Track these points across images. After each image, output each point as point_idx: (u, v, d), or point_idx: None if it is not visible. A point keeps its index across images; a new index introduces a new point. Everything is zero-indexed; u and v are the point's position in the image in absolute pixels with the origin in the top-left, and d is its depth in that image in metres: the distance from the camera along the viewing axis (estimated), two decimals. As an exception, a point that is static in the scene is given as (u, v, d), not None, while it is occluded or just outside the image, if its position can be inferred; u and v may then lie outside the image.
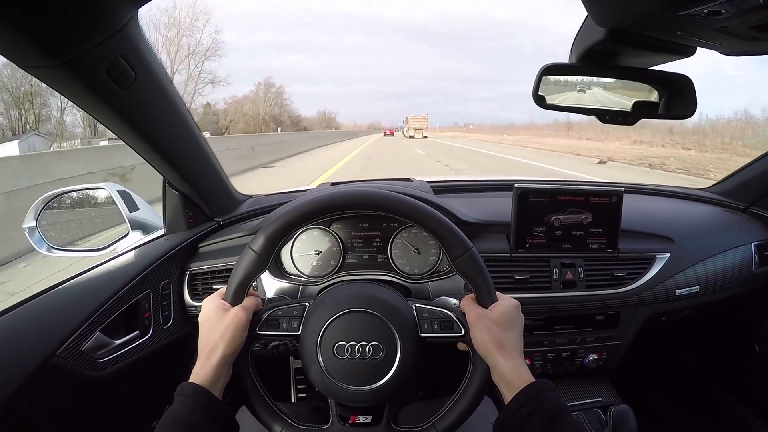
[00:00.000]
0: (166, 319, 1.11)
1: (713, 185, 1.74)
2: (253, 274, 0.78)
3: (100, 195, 1.25)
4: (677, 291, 1.28)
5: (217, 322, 0.75)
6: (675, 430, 1.63)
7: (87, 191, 1.25)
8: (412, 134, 60.31)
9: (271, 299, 0.88)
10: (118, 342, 0.98)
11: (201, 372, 0.72)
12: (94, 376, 0.91)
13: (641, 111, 1.09)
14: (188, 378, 0.73)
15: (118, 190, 1.21)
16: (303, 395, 1.36)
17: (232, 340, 0.75)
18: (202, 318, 0.76)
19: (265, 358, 1.12)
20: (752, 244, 1.43)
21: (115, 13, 0.69)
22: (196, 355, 0.76)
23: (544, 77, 1.03)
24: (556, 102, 1.08)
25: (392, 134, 75.98)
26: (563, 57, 1.05)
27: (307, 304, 0.82)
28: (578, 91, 1.09)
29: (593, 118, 1.12)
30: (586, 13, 0.88)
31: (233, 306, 0.77)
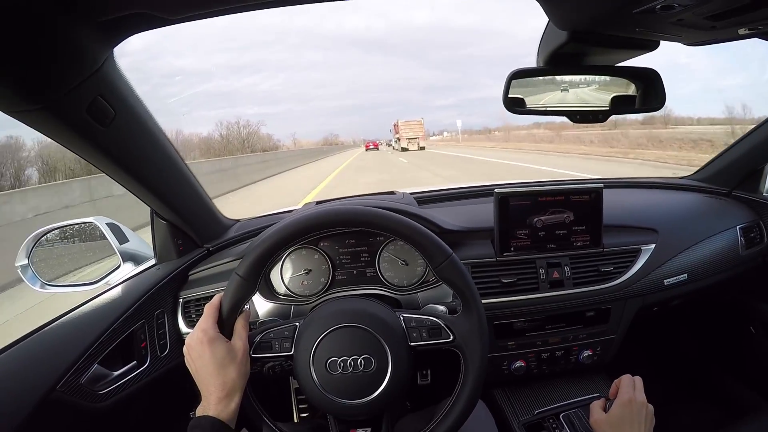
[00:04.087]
0: (163, 347, 1.12)
1: (695, 172, 1.76)
2: (243, 299, 0.80)
3: (90, 229, 1.25)
4: (665, 281, 1.29)
5: (230, 361, 0.76)
6: (677, 417, 1.64)
7: (76, 226, 1.26)
8: (405, 146, 46.57)
9: (263, 322, 0.89)
10: (116, 373, 0.99)
11: (226, 410, 0.73)
12: (94, 407, 0.93)
13: (619, 106, 1.11)
14: (191, 407, 0.75)
15: (107, 223, 1.22)
16: (305, 414, 1.37)
17: (245, 375, 0.78)
18: (206, 359, 0.76)
19: (265, 379, 1.13)
20: (737, 227, 1.45)
21: (91, 56, 0.71)
22: (196, 388, 0.77)
23: (514, 81, 1.04)
24: (539, 103, 1.09)
25: (376, 147, 63.15)
26: (521, 58, 1.07)
27: (297, 324, 0.84)
28: (561, 90, 1.11)
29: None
30: (548, 19, 0.91)
31: (228, 335, 0.79)
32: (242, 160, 21.33)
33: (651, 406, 0.90)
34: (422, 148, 45.50)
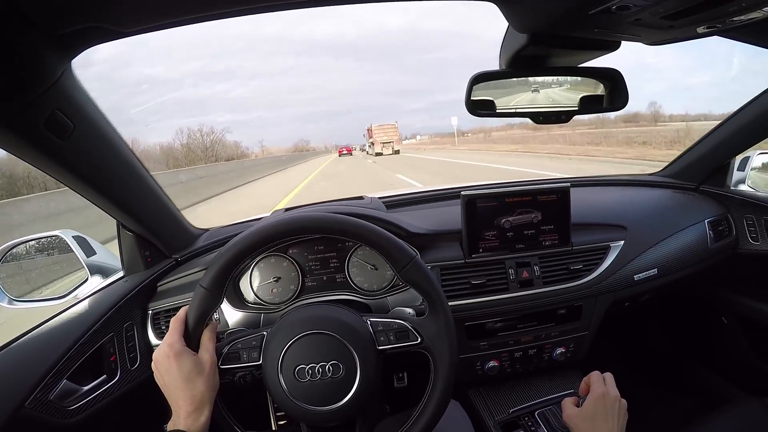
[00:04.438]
0: (133, 360, 1.11)
1: (663, 169, 1.79)
2: (208, 310, 0.80)
3: (56, 242, 1.23)
4: (635, 276, 1.31)
5: (197, 374, 0.76)
6: (654, 411, 1.66)
7: (42, 240, 1.24)
8: (379, 150, 44.65)
9: (231, 332, 0.89)
10: (86, 388, 0.98)
11: (195, 423, 0.73)
12: (65, 424, 0.91)
13: (587, 106, 1.12)
14: (164, 420, 0.75)
15: (73, 236, 1.20)
16: (283, 422, 1.37)
17: (214, 387, 0.78)
18: (174, 374, 0.75)
19: (238, 388, 1.13)
20: (705, 221, 1.48)
21: (47, 70, 0.70)
22: (167, 403, 0.76)
23: (477, 85, 1.05)
24: (510, 104, 1.10)
25: (350, 152, 62.44)
26: (492, 60, 1.08)
27: (264, 333, 0.84)
28: (532, 91, 1.11)
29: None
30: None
31: (195, 348, 0.79)
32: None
33: (624, 401, 0.91)
34: (397, 152, 43.98)
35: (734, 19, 0.78)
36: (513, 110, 1.10)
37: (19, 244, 1.20)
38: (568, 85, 1.13)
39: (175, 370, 0.75)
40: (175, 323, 0.79)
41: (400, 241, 0.83)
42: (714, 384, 1.69)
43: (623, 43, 1.00)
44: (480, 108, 1.06)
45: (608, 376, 0.95)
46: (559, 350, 1.29)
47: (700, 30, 0.88)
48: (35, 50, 0.66)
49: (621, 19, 0.78)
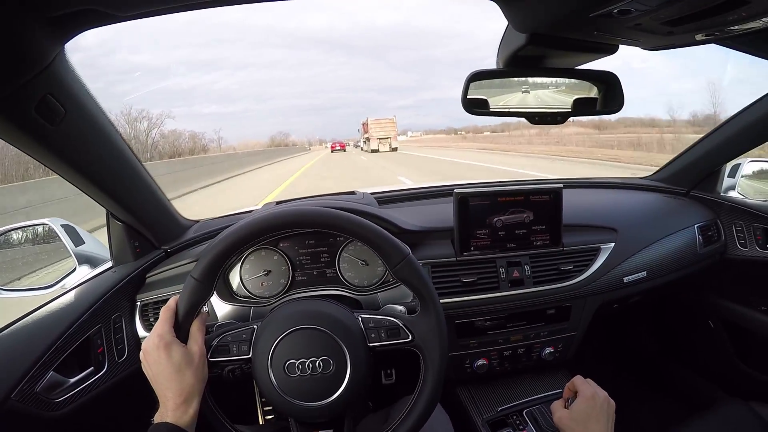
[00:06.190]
0: (121, 352, 1.09)
1: (654, 173, 1.81)
2: (199, 302, 0.79)
3: (44, 231, 1.22)
4: (625, 278, 1.32)
5: (187, 366, 0.75)
6: (640, 412, 1.68)
7: (30, 228, 1.22)
8: (375, 147, 41.97)
9: (220, 325, 0.88)
10: (73, 380, 0.96)
11: (184, 416, 0.72)
12: (51, 416, 0.90)
13: (580, 108, 1.13)
14: (153, 412, 0.74)
15: (62, 225, 1.18)
16: (270, 417, 1.36)
17: (203, 379, 0.77)
18: (163, 365, 0.74)
19: (226, 382, 1.12)
20: (695, 226, 1.49)
21: (40, 52, 0.69)
22: (155, 395, 0.75)
23: (472, 83, 1.05)
24: (499, 104, 1.10)
25: (343, 148, 57.01)
26: (481, 60, 1.08)
27: (255, 326, 0.83)
28: (522, 92, 1.12)
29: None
30: (507, 21, 0.92)
31: (184, 339, 0.78)
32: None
33: (613, 402, 0.92)
34: (394, 149, 41.04)
35: (733, 28, 0.78)
36: (509, 110, 1.10)
37: (5, 232, 1.19)
38: (564, 87, 1.13)
39: (165, 361, 0.74)
40: (166, 313, 0.78)
41: (394, 238, 0.82)
42: (699, 386, 1.71)
43: (620, 47, 1.01)
44: (476, 106, 1.06)
45: (589, 380, 0.95)
46: (548, 350, 1.30)
47: (699, 37, 0.88)
48: (28, 31, 0.64)
49: (621, 22, 0.78)
